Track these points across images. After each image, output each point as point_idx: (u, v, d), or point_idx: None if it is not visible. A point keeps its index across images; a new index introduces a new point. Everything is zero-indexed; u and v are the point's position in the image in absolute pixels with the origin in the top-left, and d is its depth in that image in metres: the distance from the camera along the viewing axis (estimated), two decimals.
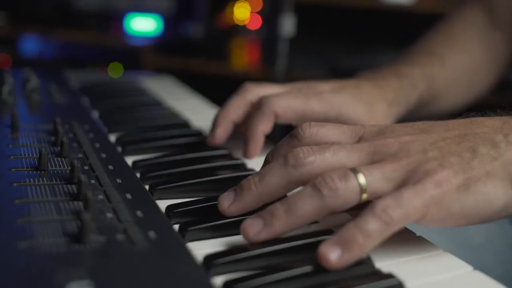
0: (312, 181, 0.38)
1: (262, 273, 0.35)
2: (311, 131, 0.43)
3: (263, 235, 0.38)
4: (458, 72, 0.77)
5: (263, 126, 0.57)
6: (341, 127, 0.44)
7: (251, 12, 2.15)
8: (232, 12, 2.16)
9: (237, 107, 0.60)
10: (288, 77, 1.19)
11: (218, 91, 1.66)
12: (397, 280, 0.35)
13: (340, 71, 1.70)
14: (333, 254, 0.35)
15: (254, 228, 0.38)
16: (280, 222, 0.38)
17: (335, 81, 0.63)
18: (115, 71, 1.97)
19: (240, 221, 0.40)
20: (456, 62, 0.77)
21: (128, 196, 0.45)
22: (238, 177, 0.49)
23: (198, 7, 2.19)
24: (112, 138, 0.65)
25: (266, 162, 0.46)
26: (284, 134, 0.46)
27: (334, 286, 0.35)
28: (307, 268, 0.36)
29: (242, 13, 2.16)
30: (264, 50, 2.11)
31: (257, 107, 0.58)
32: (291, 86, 0.63)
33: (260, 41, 2.15)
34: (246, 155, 0.58)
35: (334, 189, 0.37)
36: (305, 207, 0.37)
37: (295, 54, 1.80)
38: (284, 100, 0.57)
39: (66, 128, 0.63)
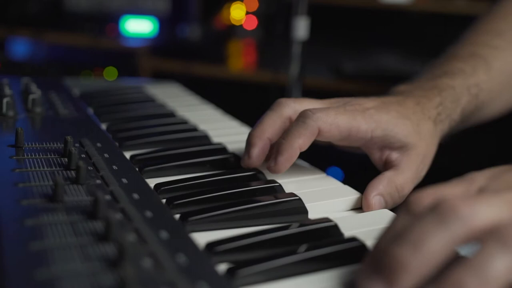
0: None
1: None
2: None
3: None
4: (505, 74, 0.71)
5: (302, 141, 0.51)
6: (453, 188, 0.36)
7: (247, 13, 2.10)
8: (228, 13, 2.11)
9: (273, 124, 0.54)
10: (299, 82, 1.14)
11: (216, 93, 1.61)
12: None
13: (346, 74, 1.65)
14: None
15: None
16: (408, 271, 0.31)
17: (375, 98, 0.58)
18: (110, 76, 1.89)
19: None
20: (502, 63, 0.70)
21: (164, 234, 0.39)
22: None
23: (193, 9, 2.13)
24: (127, 155, 0.58)
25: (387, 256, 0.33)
26: None
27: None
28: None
29: (238, 14, 2.10)
30: (261, 52, 2.06)
31: (298, 120, 0.52)
32: (330, 101, 0.58)
33: (256, 42, 2.10)
34: (274, 169, 0.51)
35: None
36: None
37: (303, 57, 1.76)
38: (331, 116, 0.52)
39: (77, 147, 0.56)
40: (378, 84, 1.58)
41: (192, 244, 0.38)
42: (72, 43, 1.92)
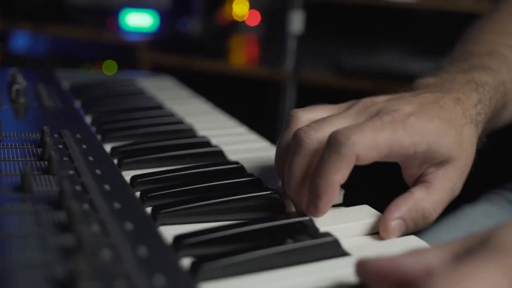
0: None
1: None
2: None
3: None
4: None
5: (341, 176, 0.42)
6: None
7: (250, 9, 2.08)
8: (231, 8, 2.10)
9: (302, 166, 0.45)
10: (296, 78, 1.13)
11: (217, 89, 1.60)
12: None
13: (344, 70, 1.64)
14: None
15: None
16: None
17: (407, 95, 0.50)
18: (109, 69, 1.89)
19: None
20: None
21: (129, 226, 0.38)
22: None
23: (195, 3, 2.12)
24: (108, 148, 0.57)
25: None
26: None
27: None
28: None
29: (241, 10, 2.09)
30: (263, 48, 2.05)
31: (330, 149, 0.43)
32: (353, 110, 0.48)
33: (259, 38, 2.09)
34: (316, 215, 0.43)
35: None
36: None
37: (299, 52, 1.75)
38: (369, 136, 0.42)
39: (55, 138, 0.55)
40: (377, 81, 1.57)
41: (157, 236, 0.38)
42: (73, 37, 1.92)
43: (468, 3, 1.66)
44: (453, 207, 0.56)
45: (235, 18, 2.10)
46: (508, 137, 0.82)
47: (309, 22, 1.22)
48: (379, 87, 0.60)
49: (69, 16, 1.97)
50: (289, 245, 0.38)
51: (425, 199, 0.46)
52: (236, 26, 2.10)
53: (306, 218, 0.43)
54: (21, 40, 2.08)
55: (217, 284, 0.34)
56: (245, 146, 0.63)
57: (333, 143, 0.42)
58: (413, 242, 0.43)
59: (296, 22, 1.06)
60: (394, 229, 0.44)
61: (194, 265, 0.35)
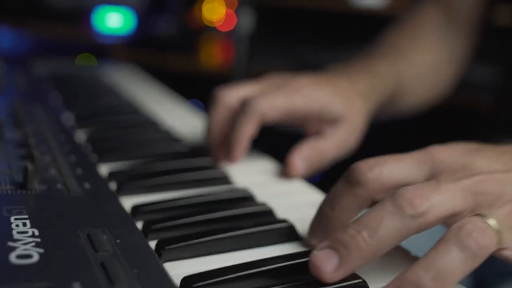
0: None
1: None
2: (374, 173, 0.38)
3: (341, 273, 0.33)
4: (422, 70, 0.78)
5: (250, 129, 0.55)
6: (403, 160, 0.39)
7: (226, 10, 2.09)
8: (207, 9, 2.12)
9: (220, 119, 0.58)
10: (249, 75, 1.22)
11: (190, 88, 1.69)
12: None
13: (310, 71, 1.72)
14: None
15: (330, 264, 0.33)
16: (361, 253, 0.33)
17: (308, 75, 0.62)
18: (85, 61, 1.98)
19: None
20: (420, 59, 0.78)
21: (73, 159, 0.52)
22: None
23: (171, 2, 2.16)
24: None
25: (323, 216, 0.40)
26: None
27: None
28: None
29: (216, 11, 2.12)
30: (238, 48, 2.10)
31: (241, 110, 0.55)
32: (265, 82, 0.61)
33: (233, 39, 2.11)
34: (231, 159, 0.55)
35: (483, 248, 0.33)
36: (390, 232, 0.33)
37: (263, 53, 1.86)
38: (268, 100, 0.55)
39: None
40: None
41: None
42: (49, 35, 2.01)
43: None
44: None
45: (210, 19, 2.10)
46: None
47: (275, 23, 1.25)
48: None
49: (45, 14, 2.02)
50: (248, 229, 0.40)
51: (318, 142, 0.58)
52: (211, 27, 2.10)
53: (266, 208, 0.45)
54: None
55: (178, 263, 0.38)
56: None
57: (242, 105, 0.55)
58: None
59: (245, 21, 1.14)
60: (300, 167, 0.55)
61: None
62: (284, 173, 0.56)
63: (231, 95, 0.58)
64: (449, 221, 0.35)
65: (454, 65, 0.82)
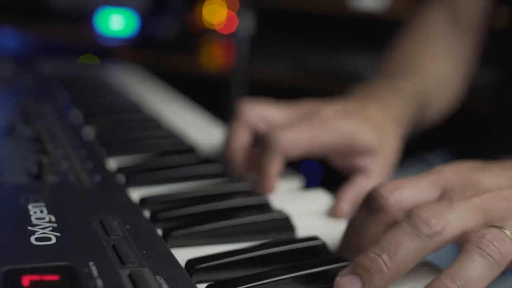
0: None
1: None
2: (396, 197, 0.39)
3: None
4: (441, 81, 0.78)
5: (275, 167, 0.53)
6: (418, 182, 0.41)
7: (228, 12, 2.13)
8: (209, 12, 2.16)
9: (241, 134, 0.57)
10: (249, 76, 1.25)
11: (190, 89, 1.72)
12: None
13: (310, 73, 1.76)
14: None
15: None
16: (383, 276, 0.35)
17: (337, 102, 0.60)
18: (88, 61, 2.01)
19: None
20: (437, 71, 0.78)
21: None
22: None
23: (173, 5, 2.19)
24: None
25: (350, 246, 0.41)
26: None
27: None
28: None
29: (218, 13, 2.14)
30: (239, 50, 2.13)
31: (265, 145, 0.54)
32: (291, 109, 0.59)
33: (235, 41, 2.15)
34: (264, 191, 0.54)
35: (505, 255, 0.35)
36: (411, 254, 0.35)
37: (263, 55, 1.90)
38: (292, 135, 0.53)
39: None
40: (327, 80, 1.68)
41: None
42: (50, 36, 2.04)
43: None
44: None
45: (212, 22, 2.11)
46: None
47: (274, 25, 1.29)
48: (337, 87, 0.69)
49: (48, 16, 2.06)
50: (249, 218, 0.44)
51: (367, 183, 0.55)
52: (213, 30, 2.11)
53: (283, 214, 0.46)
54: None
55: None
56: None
57: (266, 139, 0.54)
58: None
59: (246, 23, 1.18)
60: (347, 210, 0.53)
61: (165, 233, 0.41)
62: (331, 213, 0.54)
63: (254, 112, 0.57)
64: (460, 238, 0.37)
65: (464, 70, 0.82)
